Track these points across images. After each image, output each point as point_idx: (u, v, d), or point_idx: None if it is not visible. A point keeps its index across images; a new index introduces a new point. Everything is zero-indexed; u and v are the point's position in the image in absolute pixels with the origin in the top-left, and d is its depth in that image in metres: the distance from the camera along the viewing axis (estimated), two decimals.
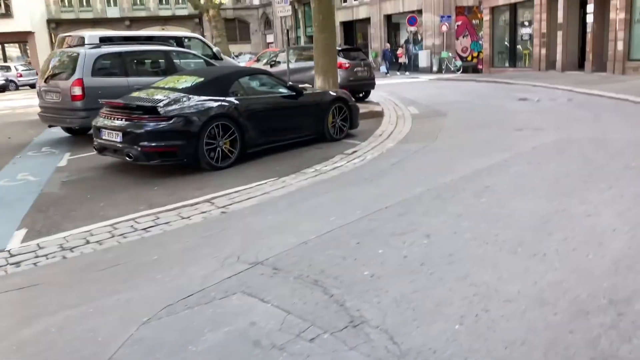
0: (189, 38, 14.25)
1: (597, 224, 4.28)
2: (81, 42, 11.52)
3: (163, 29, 37.23)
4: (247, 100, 7.47)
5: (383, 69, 27.82)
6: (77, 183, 6.74)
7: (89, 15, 41.96)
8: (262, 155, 7.67)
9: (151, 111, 6.59)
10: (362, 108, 11.62)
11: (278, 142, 7.92)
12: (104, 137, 6.90)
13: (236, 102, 7.27)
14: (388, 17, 32.61)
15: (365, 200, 5.28)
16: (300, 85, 9.45)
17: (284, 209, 5.24)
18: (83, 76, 8.67)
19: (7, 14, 39.35)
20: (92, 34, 11.92)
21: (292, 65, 14.36)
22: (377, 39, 32.80)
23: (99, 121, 7.00)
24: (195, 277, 3.62)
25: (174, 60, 9.96)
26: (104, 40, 11.70)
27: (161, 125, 6.54)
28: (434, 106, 13.08)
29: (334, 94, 8.92)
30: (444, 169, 6.44)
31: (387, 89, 18.46)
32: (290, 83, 8.50)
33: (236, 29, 44.42)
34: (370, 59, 31.68)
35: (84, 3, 42.14)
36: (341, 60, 14.11)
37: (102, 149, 6.98)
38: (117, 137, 6.70)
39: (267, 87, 8.19)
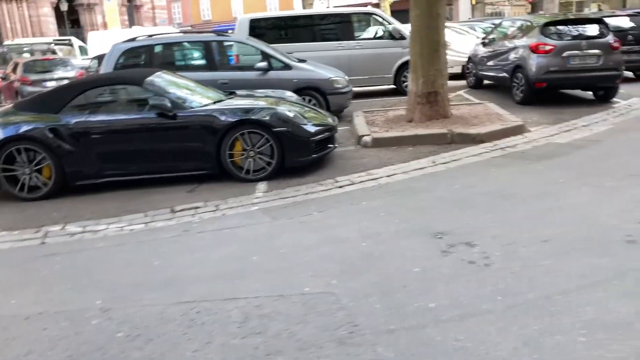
0: (362, 14, 12.11)
1: None
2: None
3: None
4: (83, 120, 5.93)
5: None
6: None
7: None
8: (124, 187, 6.04)
9: None
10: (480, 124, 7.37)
11: (135, 175, 6.04)
12: None
13: (61, 122, 5.88)
14: None
15: None
16: (243, 92, 7.06)
17: None
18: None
19: None
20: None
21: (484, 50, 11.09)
22: None
23: None
24: None
25: (214, 52, 8.64)
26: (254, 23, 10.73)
27: None
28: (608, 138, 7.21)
29: (243, 113, 5.98)
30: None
31: None
32: (158, 101, 5.89)
33: None
34: None
35: None
36: (540, 39, 9.18)
37: None
38: None
39: (130, 103, 6.27)
